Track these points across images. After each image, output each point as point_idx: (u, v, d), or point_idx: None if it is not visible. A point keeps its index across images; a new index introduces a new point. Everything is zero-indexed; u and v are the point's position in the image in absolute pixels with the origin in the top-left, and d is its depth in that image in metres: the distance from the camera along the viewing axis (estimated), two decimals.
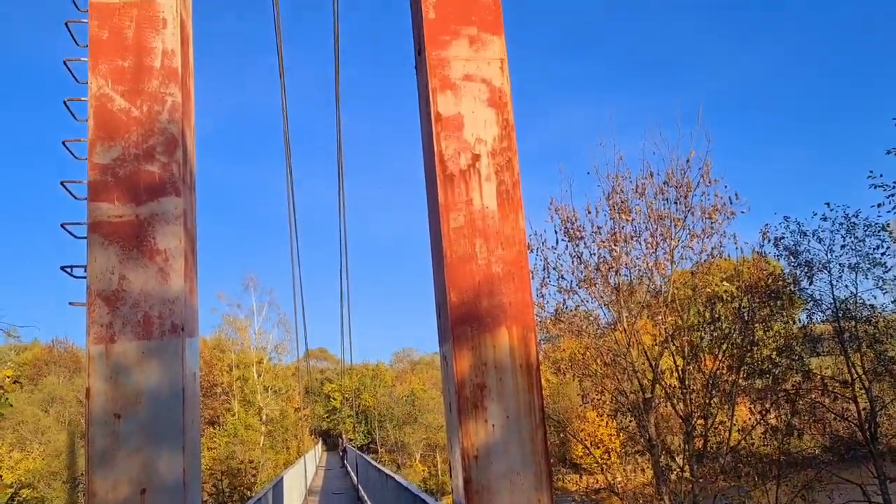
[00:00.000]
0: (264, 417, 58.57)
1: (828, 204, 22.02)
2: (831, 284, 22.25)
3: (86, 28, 5.98)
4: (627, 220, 19.53)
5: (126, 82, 5.90)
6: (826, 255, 22.14)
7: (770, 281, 21.26)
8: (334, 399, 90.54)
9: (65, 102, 5.90)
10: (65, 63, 5.95)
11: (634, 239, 19.72)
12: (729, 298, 20.62)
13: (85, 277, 5.77)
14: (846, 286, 22.44)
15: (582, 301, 21.15)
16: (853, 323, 21.94)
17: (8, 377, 13.21)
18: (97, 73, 5.87)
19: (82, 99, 5.86)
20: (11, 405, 11.74)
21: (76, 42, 6.03)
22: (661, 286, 20.10)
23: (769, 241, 22.05)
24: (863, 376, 21.58)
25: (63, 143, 5.85)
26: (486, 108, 6.45)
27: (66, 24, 5.98)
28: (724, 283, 20.60)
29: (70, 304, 5.86)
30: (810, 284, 22.25)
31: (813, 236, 22.23)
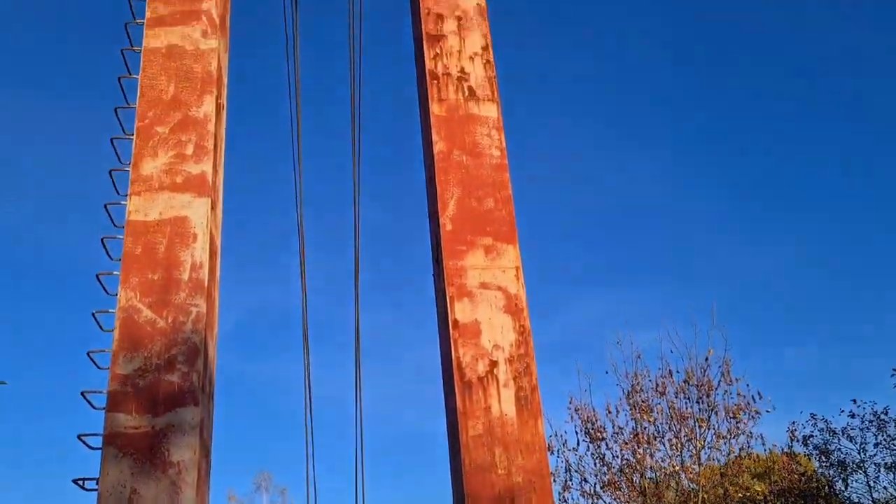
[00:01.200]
0: None
1: (854, 400, 21.55)
2: (869, 486, 21.20)
3: (119, 244, 6.27)
4: (649, 420, 19.12)
5: (154, 294, 6.09)
6: (859, 454, 21.31)
7: (803, 483, 20.36)
8: None
9: (93, 314, 6.08)
10: (97, 277, 6.18)
11: (658, 439, 19.20)
12: (762, 499, 19.66)
13: (96, 490, 5.64)
14: (885, 487, 21.38)
15: None
16: None
17: None
18: (127, 286, 6.07)
19: (109, 311, 6.02)
20: None
21: (109, 256, 6.30)
22: (688, 489, 19.26)
23: (797, 440, 21.41)
24: None
25: (88, 354, 5.94)
26: (503, 315, 6.54)
27: (101, 240, 6.29)
28: (755, 482, 19.75)
29: None
30: (846, 487, 21.23)
31: (843, 434, 21.53)
